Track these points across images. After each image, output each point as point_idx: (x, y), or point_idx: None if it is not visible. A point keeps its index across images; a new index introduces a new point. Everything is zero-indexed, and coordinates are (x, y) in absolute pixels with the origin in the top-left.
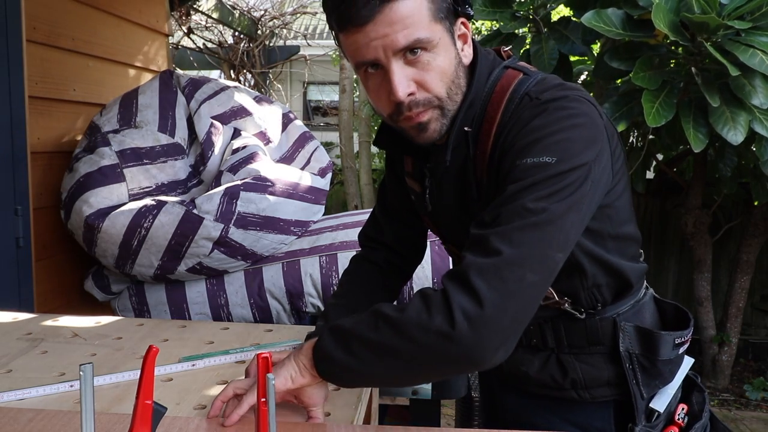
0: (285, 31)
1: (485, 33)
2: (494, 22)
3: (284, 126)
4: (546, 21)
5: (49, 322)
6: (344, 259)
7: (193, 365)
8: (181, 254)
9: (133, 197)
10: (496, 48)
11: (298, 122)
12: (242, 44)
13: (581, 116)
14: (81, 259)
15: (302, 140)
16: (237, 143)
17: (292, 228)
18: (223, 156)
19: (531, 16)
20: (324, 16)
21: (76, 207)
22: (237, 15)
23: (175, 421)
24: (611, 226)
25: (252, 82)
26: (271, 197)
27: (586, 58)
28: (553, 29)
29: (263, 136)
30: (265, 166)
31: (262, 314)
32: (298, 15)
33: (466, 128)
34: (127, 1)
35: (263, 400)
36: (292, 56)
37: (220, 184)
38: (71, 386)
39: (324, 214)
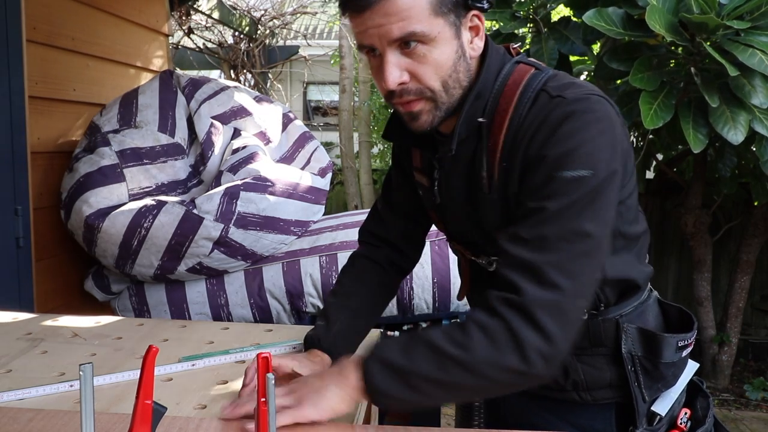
0: (285, 31)
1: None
2: (494, 22)
3: (284, 126)
4: (546, 21)
5: (49, 322)
6: (344, 259)
7: (193, 365)
8: (181, 254)
9: (133, 197)
10: (505, 45)
11: (298, 122)
12: (242, 44)
13: (605, 119)
14: (81, 259)
15: (302, 140)
16: (237, 143)
17: (292, 228)
18: (223, 156)
19: (531, 16)
20: (324, 17)
21: (76, 207)
22: (237, 15)
23: (175, 421)
24: (622, 223)
25: (252, 82)
26: (271, 197)
27: (586, 58)
28: (553, 29)
29: (263, 136)
30: (265, 166)
31: (262, 314)
32: (298, 15)
33: (480, 119)
34: (127, 1)
35: (263, 400)
36: (292, 56)
37: (220, 184)
38: (71, 386)
39: (324, 214)
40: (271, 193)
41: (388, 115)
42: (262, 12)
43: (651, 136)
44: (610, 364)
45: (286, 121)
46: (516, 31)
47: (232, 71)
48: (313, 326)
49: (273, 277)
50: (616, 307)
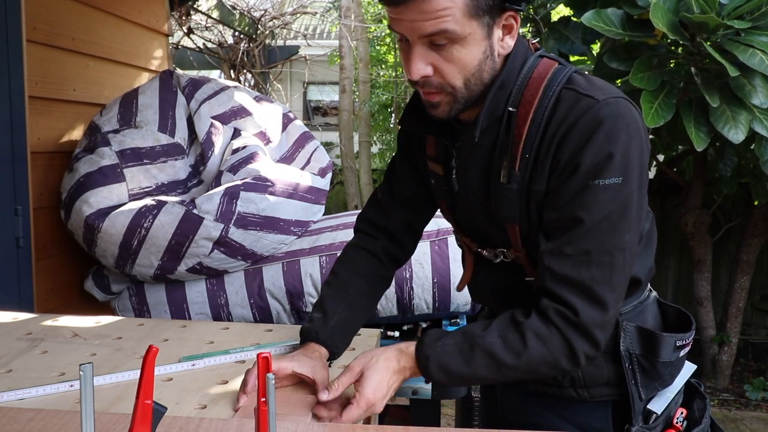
0: (285, 31)
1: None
2: None
3: (284, 126)
4: (546, 21)
5: (49, 322)
6: None
7: (193, 365)
8: (181, 254)
9: (133, 197)
10: (525, 38)
11: (298, 122)
12: (242, 44)
13: (633, 123)
14: (81, 259)
15: (302, 140)
16: (237, 143)
17: (292, 228)
18: (223, 156)
19: (531, 16)
20: (324, 17)
21: (76, 207)
22: (237, 15)
23: (175, 421)
24: None
25: (252, 82)
26: (271, 197)
27: (586, 58)
28: (553, 29)
29: (263, 136)
30: (265, 166)
31: (262, 314)
32: (298, 15)
33: (510, 109)
34: (127, 1)
35: (263, 400)
36: (292, 56)
37: (220, 184)
38: (71, 386)
39: (324, 214)
40: (271, 193)
41: (387, 116)
42: (262, 12)
43: (651, 136)
44: (608, 362)
45: (286, 121)
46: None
47: (232, 71)
48: (309, 318)
49: (273, 277)
50: None
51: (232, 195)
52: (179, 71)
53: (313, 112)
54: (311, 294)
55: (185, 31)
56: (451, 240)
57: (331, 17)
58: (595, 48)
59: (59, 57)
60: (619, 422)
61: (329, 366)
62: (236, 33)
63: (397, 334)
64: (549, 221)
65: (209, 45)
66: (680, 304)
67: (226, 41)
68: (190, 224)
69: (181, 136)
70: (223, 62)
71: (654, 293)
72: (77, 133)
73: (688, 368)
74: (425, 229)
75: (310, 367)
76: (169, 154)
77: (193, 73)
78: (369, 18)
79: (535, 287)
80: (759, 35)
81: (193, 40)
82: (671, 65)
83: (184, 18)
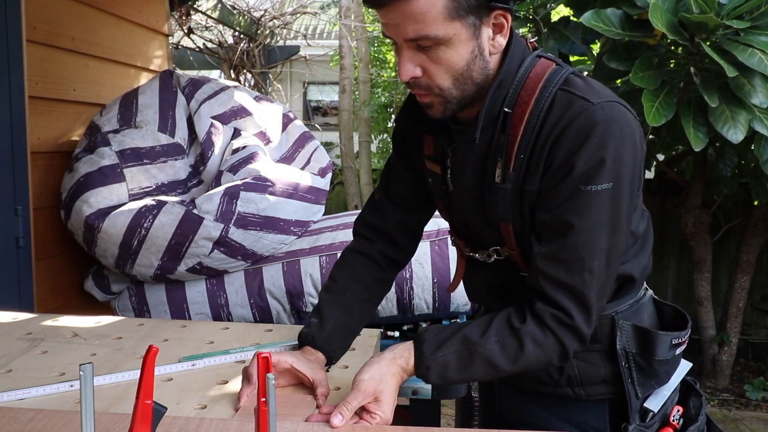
0: (285, 31)
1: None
2: None
3: (284, 126)
4: (546, 21)
5: (49, 322)
6: None
7: (193, 365)
8: (181, 254)
9: (133, 197)
10: (524, 38)
11: (298, 122)
12: (242, 44)
13: (627, 128)
14: (81, 259)
15: (302, 140)
16: (237, 143)
17: (292, 228)
18: (223, 156)
19: (531, 16)
20: (324, 17)
21: (76, 207)
22: (237, 15)
23: (175, 421)
24: (631, 223)
25: (252, 82)
26: (271, 197)
27: (585, 58)
28: (553, 29)
29: (263, 136)
30: (265, 166)
31: (262, 314)
32: (298, 15)
33: (506, 109)
34: (127, 1)
35: (263, 400)
36: (292, 56)
37: (220, 184)
38: (71, 386)
39: (324, 214)
40: (271, 193)
41: (387, 115)
42: (262, 12)
43: (651, 136)
44: (604, 360)
45: (286, 121)
46: (516, 31)
47: (232, 71)
48: (307, 323)
49: (273, 277)
50: (612, 304)
51: (232, 195)
52: (179, 71)
53: (313, 112)
54: (311, 294)
55: (185, 31)
56: None
57: (329, 15)
58: (595, 48)
59: (59, 57)
60: (616, 421)
61: (327, 371)
62: (236, 33)
63: (397, 334)
64: (541, 223)
65: (209, 45)
66: (680, 304)
67: (226, 41)
68: (190, 224)
69: (181, 136)
70: (223, 62)
71: (650, 292)
72: (77, 133)
73: (684, 366)
74: (425, 229)
75: (308, 367)
76: (169, 154)
77: (193, 73)
78: (369, 18)
79: (526, 285)
80: (758, 35)
81: (193, 40)
82: (671, 65)
83: (184, 18)
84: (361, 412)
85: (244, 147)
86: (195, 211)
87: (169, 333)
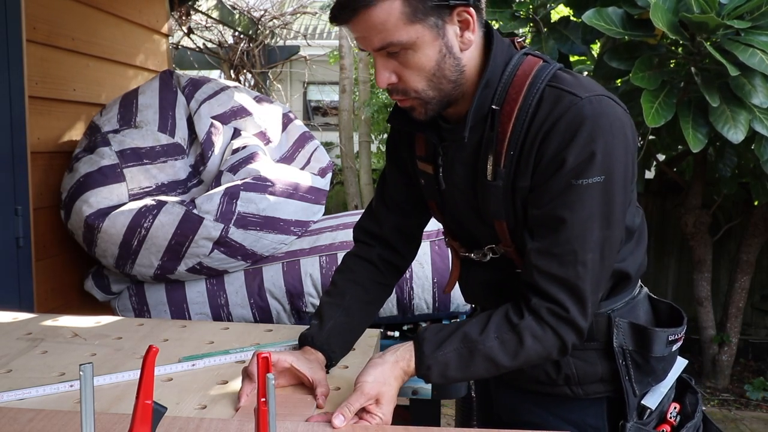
0: (285, 31)
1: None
2: (494, 22)
3: (284, 126)
4: (546, 21)
5: (49, 322)
6: None
7: (193, 365)
8: (181, 254)
9: (133, 197)
10: (510, 38)
11: (298, 122)
12: (242, 44)
13: (617, 122)
14: (81, 259)
15: (302, 140)
16: (237, 143)
17: (292, 228)
18: (223, 156)
19: (531, 16)
20: (324, 16)
21: (76, 207)
22: (237, 15)
23: (175, 421)
24: (626, 217)
25: (252, 82)
26: (271, 197)
27: (585, 57)
28: (553, 29)
29: (263, 136)
30: (265, 166)
31: (262, 314)
32: (298, 15)
33: (494, 106)
34: (127, 1)
35: (263, 400)
36: (292, 56)
37: (220, 184)
38: (71, 386)
39: (324, 214)
40: (271, 193)
41: (387, 115)
42: (262, 12)
43: (651, 137)
44: (601, 359)
45: (286, 121)
46: (516, 31)
47: (232, 71)
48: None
49: (273, 277)
50: (608, 301)
51: (232, 195)
52: (179, 71)
53: (313, 112)
54: (311, 294)
55: (185, 31)
56: None
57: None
58: (595, 48)
59: (59, 57)
60: (613, 419)
61: (327, 373)
62: (236, 33)
63: (397, 334)
64: (533, 218)
65: (209, 45)
66: (680, 304)
67: (226, 41)
68: (190, 224)
69: (181, 136)
70: (223, 62)
71: (645, 289)
72: (77, 133)
73: (680, 363)
74: (425, 229)
75: (308, 367)
76: (169, 154)
77: (193, 73)
78: None
79: (521, 281)
80: (759, 35)
81: (193, 40)
82: (671, 65)
83: (184, 18)
84: (362, 412)
85: (244, 147)
86: (195, 211)
87: (169, 333)
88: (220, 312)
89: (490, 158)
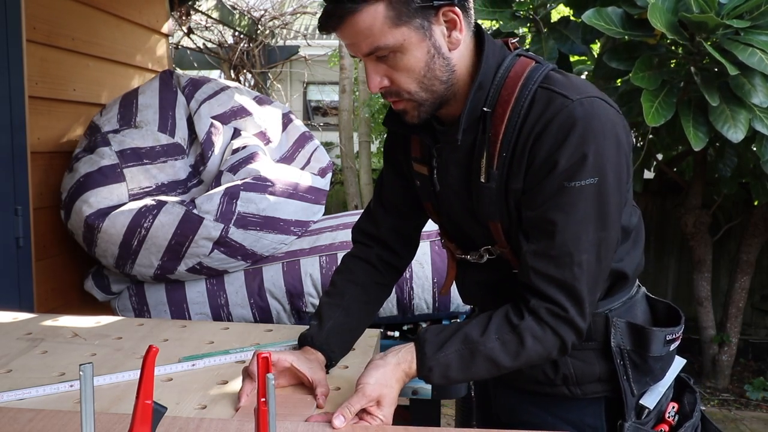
0: (285, 31)
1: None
2: (494, 21)
3: (284, 126)
4: (546, 21)
5: (49, 322)
6: None
7: (193, 365)
8: (181, 254)
9: (133, 197)
10: (503, 39)
11: (298, 122)
12: (242, 44)
13: (609, 123)
14: (81, 259)
15: (302, 140)
16: (237, 143)
17: (292, 228)
18: (223, 156)
19: (531, 16)
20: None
21: (76, 207)
22: (237, 15)
23: (175, 421)
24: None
25: (252, 82)
26: (271, 197)
27: (585, 57)
28: (553, 29)
29: (263, 136)
30: (265, 166)
31: (262, 314)
32: (298, 15)
33: (485, 108)
34: (127, 1)
35: (263, 400)
36: (292, 56)
37: (220, 184)
38: (71, 386)
39: (324, 214)
40: (271, 193)
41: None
42: (262, 12)
43: (651, 136)
44: (599, 358)
45: (286, 121)
46: (516, 31)
47: (232, 71)
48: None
49: (273, 277)
50: (605, 301)
51: (232, 195)
52: (179, 71)
53: (313, 112)
54: (311, 294)
55: (185, 31)
56: None
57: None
58: (595, 48)
59: (59, 57)
60: (612, 418)
61: (327, 373)
62: (236, 33)
63: (397, 334)
64: (527, 220)
65: (209, 45)
66: (680, 304)
67: (226, 41)
68: (190, 224)
69: (181, 136)
70: (223, 62)
71: (643, 289)
72: (77, 133)
73: (678, 363)
74: (425, 229)
75: (308, 366)
76: (169, 154)
77: (193, 73)
78: None
79: (519, 283)
80: (758, 34)
81: (193, 40)
82: (671, 65)
83: (184, 18)
84: (363, 413)
85: (244, 147)
86: (195, 211)
87: (169, 333)
88: (220, 312)
89: (483, 160)
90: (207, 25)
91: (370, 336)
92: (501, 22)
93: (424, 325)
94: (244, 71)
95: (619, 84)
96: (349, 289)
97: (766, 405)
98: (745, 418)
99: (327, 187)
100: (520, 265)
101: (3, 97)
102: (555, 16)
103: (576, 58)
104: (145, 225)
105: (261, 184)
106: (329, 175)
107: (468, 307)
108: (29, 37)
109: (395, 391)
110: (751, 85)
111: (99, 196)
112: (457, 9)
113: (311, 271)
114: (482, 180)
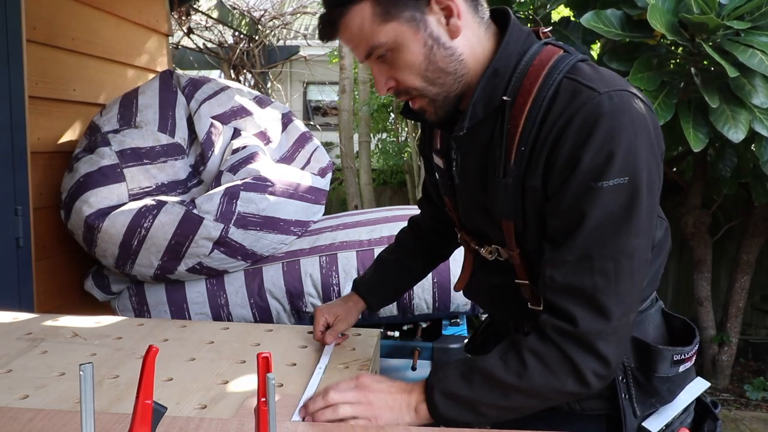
0: (285, 31)
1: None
2: None
3: (284, 126)
4: (546, 21)
5: (49, 322)
6: (344, 259)
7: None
8: (181, 254)
9: (133, 197)
10: (534, 28)
11: (298, 122)
12: (242, 44)
13: (639, 118)
14: (81, 259)
15: (302, 140)
16: (237, 143)
17: (292, 228)
18: (223, 156)
19: (531, 16)
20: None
21: (76, 207)
22: (237, 15)
23: (175, 421)
24: None
25: (252, 82)
26: (271, 197)
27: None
28: (554, 30)
29: (263, 136)
30: (265, 166)
31: (262, 314)
32: (298, 15)
33: (504, 98)
34: (127, 1)
35: (263, 400)
36: (292, 56)
37: (220, 184)
38: (71, 386)
39: (324, 214)
40: (271, 193)
41: (387, 115)
42: (262, 12)
43: None
44: None
45: (286, 121)
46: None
47: (232, 71)
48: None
49: (273, 277)
50: None
51: (232, 195)
52: (179, 71)
53: (313, 112)
54: (311, 294)
55: (185, 31)
56: None
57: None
58: (596, 48)
59: (59, 57)
60: None
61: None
62: (236, 33)
63: (397, 334)
64: (552, 228)
65: (209, 45)
66: (680, 305)
67: (226, 41)
68: (190, 224)
69: (181, 136)
70: (223, 62)
71: (659, 303)
72: (77, 133)
73: (699, 385)
74: None
75: (342, 308)
76: (169, 154)
77: (193, 73)
78: None
79: (541, 298)
80: (759, 35)
81: (193, 40)
82: (671, 65)
83: (184, 18)
84: (340, 392)
85: (244, 147)
86: (195, 211)
87: (169, 333)
88: (220, 312)
89: (501, 153)
90: (207, 25)
91: (370, 336)
92: None
93: (424, 325)
94: (244, 71)
95: None
96: (399, 250)
97: (766, 405)
98: (745, 418)
99: (327, 187)
100: (539, 279)
101: (3, 97)
102: (555, 17)
103: None
104: (145, 225)
105: (261, 184)
106: (329, 175)
107: (468, 306)
108: (29, 37)
109: (384, 394)
110: (752, 86)
111: (99, 196)
112: None
113: (311, 271)
114: (498, 174)
